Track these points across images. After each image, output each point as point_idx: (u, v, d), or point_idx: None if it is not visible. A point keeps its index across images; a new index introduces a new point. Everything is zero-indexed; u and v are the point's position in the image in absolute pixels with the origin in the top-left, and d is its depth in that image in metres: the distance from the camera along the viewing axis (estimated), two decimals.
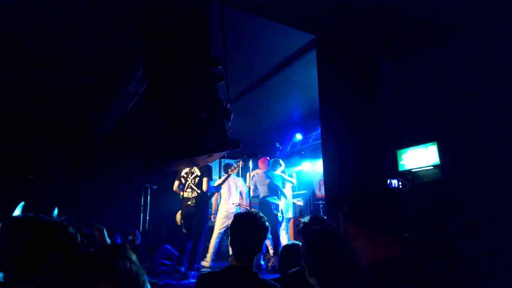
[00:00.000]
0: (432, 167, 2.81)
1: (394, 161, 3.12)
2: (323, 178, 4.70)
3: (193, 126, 3.06)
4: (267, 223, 2.03)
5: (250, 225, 1.95)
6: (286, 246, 2.82)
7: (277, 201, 5.79)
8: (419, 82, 2.97)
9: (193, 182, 5.38)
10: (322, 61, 4.28)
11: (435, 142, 2.78)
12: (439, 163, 2.74)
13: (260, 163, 6.28)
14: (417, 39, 2.99)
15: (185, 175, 5.51)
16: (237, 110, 6.05)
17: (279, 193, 5.93)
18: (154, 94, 3.47)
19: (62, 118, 6.95)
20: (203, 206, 5.26)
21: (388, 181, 2.86)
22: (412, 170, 2.98)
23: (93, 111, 6.54)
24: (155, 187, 7.21)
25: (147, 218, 6.77)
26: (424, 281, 1.20)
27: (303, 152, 8.03)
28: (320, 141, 4.44)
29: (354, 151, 3.52)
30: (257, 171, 6.19)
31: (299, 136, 7.98)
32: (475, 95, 2.55)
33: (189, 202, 5.30)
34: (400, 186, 2.90)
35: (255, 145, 8.11)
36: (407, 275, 1.17)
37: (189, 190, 5.36)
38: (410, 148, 2.99)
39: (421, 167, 2.91)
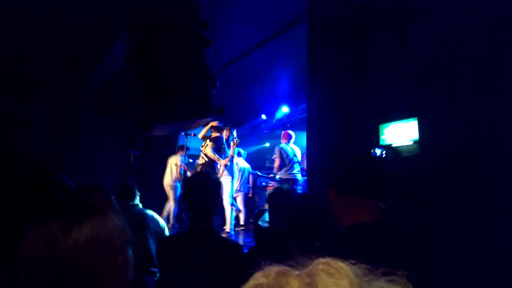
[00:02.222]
0: (412, 142, 2.87)
1: (376, 135, 3.16)
2: (306, 151, 4.77)
3: (177, 91, 3.03)
4: (218, 179, 2.03)
5: (202, 183, 1.92)
6: (258, 212, 2.87)
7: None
8: (404, 57, 2.98)
9: (203, 152, 6.04)
10: (312, 32, 4.24)
11: (416, 118, 2.82)
12: (418, 138, 2.80)
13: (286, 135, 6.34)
14: (406, 10, 2.98)
15: (201, 148, 6.18)
16: (224, 78, 6.05)
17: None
18: (138, 57, 3.40)
19: (47, 79, 6.76)
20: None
21: (372, 150, 2.94)
22: (393, 145, 3.03)
23: (77, 72, 6.37)
24: (139, 152, 7.18)
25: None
26: (395, 245, 1.25)
27: (288, 125, 8.05)
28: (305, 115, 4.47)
29: (337, 124, 3.55)
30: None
31: (285, 109, 7.97)
32: (458, 71, 2.58)
33: (197, 168, 6.09)
34: (383, 156, 2.99)
35: (240, 115, 8.09)
36: (380, 238, 1.23)
37: (200, 159, 6.06)
38: (392, 122, 3.03)
39: (401, 142, 2.96)
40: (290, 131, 6.35)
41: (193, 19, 3.19)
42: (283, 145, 6.19)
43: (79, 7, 4.76)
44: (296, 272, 0.40)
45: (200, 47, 3.21)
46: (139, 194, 3.37)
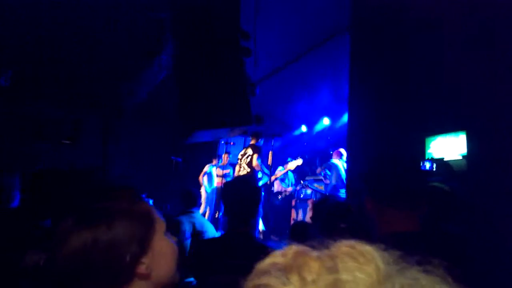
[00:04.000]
0: (461, 157, 2.70)
1: (422, 148, 3.01)
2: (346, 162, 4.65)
3: (217, 99, 3.08)
4: (258, 185, 2.01)
5: (241, 189, 1.91)
6: (295, 224, 2.83)
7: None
8: (451, 67, 2.84)
9: (245, 162, 5.74)
10: (355, 43, 4.17)
11: (464, 131, 2.65)
12: (466, 153, 2.63)
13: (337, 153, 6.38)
14: (450, 19, 2.84)
15: (240, 157, 5.91)
16: (265, 88, 6.08)
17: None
18: (181, 66, 3.50)
19: (97, 89, 7.17)
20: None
21: (421, 163, 2.80)
22: (443, 159, 2.87)
23: (125, 82, 6.70)
24: (181, 159, 7.36)
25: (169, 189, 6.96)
26: (431, 257, 1.17)
27: (328, 138, 7.92)
28: (345, 127, 4.38)
29: (379, 135, 3.44)
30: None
31: (326, 121, 7.86)
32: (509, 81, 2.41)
33: None
34: (434, 169, 2.83)
35: (280, 125, 8.08)
36: (417, 249, 1.15)
37: (241, 170, 5.73)
38: (440, 135, 2.88)
39: (450, 157, 2.80)
40: (342, 149, 6.33)
41: (234, 29, 3.24)
42: (335, 161, 6.20)
43: (126, 23, 5.02)
44: (317, 253, 0.36)
45: (241, 57, 3.25)
46: (200, 202, 3.50)
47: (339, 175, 6.06)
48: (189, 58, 3.42)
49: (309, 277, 0.33)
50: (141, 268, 0.81)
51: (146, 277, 0.82)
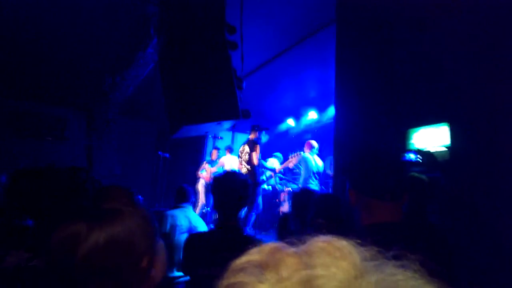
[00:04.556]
0: (443, 149, 2.76)
1: (405, 140, 3.07)
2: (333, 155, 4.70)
3: (203, 93, 3.07)
4: (247, 179, 2.03)
5: (230, 183, 1.94)
6: (282, 217, 2.88)
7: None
8: (434, 59, 2.89)
9: (244, 159, 5.74)
10: (340, 36, 4.19)
11: (447, 123, 2.71)
12: (449, 145, 2.69)
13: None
14: (436, 10, 2.88)
15: (239, 154, 5.89)
16: (252, 83, 6.08)
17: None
18: (167, 61, 3.48)
19: (80, 84, 7.06)
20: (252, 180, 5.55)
21: (406, 155, 2.85)
22: (424, 150, 2.93)
23: (109, 77, 6.61)
24: (168, 155, 7.32)
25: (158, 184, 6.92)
26: (414, 246, 1.21)
27: (316, 131, 7.97)
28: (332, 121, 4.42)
29: (365, 128, 3.49)
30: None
31: (313, 114, 7.90)
32: (491, 74, 2.47)
33: None
34: (419, 161, 2.89)
35: (267, 119, 8.10)
36: (397, 238, 1.20)
37: (242, 167, 5.76)
38: (422, 127, 2.94)
39: (432, 148, 2.86)
40: (313, 141, 6.35)
41: (220, 23, 3.23)
42: (306, 154, 6.18)
43: (111, 17, 4.94)
44: (293, 249, 0.36)
45: (227, 50, 3.24)
46: (193, 199, 3.56)
47: (307, 168, 6.06)
48: (175, 52, 3.40)
49: (285, 273, 0.32)
50: (147, 266, 0.84)
51: (150, 274, 0.85)
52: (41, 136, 7.76)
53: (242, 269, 0.35)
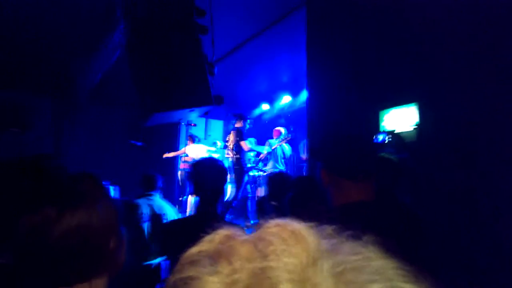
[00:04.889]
0: (412, 128, 2.84)
1: (376, 121, 3.14)
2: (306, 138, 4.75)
3: (174, 80, 3.01)
4: (224, 166, 2.04)
5: (209, 169, 1.94)
6: (259, 200, 2.92)
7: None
8: (403, 39, 2.94)
9: (230, 147, 5.98)
10: (311, 19, 4.19)
11: (416, 103, 2.79)
12: (417, 124, 2.77)
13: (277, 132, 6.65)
14: None
15: (226, 142, 6.17)
16: (224, 67, 6.01)
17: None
18: (136, 46, 3.38)
19: (45, 69, 6.75)
20: (236, 167, 5.87)
21: (375, 136, 2.92)
22: (395, 131, 3.01)
23: (75, 61, 6.36)
24: (141, 143, 7.18)
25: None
26: (386, 226, 1.25)
27: (289, 115, 8.01)
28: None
29: (336, 110, 3.53)
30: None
31: (287, 98, 7.92)
32: (458, 55, 2.54)
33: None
34: (386, 141, 2.97)
35: (240, 105, 8.08)
36: (370, 217, 1.23)
37: (230, 155, 6.00)
38: (393, 108, 3.00)
39: (402, 129, 2.93)
40: (280, 128, 6.71)
41: (188, 5, 3.15)
42: (272, 140, 6.53)
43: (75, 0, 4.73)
44: (245, 237, 0.35)
45: (197, 35, 3.17)
46: (160, 185, 3.47)
47: (275, 154, 6.42)
48: (143, 37, 3.29)
49: (237, 264, 0.31)
50: (115, 247, 0.88)
51: (117, 255, 0.89)
52: (6, 128, 7.41)
53: (192, 262, 0.33)
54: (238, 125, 6.08)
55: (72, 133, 7.49)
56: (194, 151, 6.77)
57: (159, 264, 3.00)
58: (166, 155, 7.30)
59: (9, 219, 1.09)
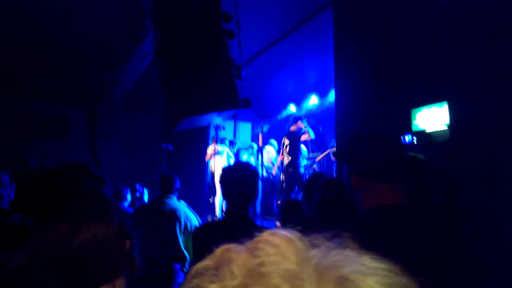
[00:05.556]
0: (445, 127, 2.75)
1: (408, 120, 3.06)
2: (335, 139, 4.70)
3: (202, 84, 3.07)
4: (257, 169, 2.02)
5: (241, 174, 1.93)
6: (286, 202, 2.90)
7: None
8: (434, 36, 2.85)
9: (286, 150, 6.02)
10: (338, 18, 4.15)
11: (446, 102, 2.70)
12: (448, 123, 2.68)
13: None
14: None
15: (282, 146, 6.20)
16: (251, 70, 6.05)
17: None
18: (165, 53, 3.47)
19: (82, 82, 7.07)
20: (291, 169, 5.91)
21: (402, 137, 2.86)
22: (426, 130, 2.92)
23: (109, 72, 6.60)
24: (171, 147, 7.34)
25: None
26: (419, 229, 1.22)
27: (316, 116, 7.93)
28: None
29: (366, 111, 3.48)
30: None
31: (314, 99, 7.86)
32: (491, 52, 2.44)
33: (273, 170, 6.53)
34: (415, 142, 2.90)
35: (268, 106, 8.08)
36: (403, 220, 1.21)
37: (284, 158, 6.04)
38: (425, 107, 2.92)
39: (434, 128, 2.85)
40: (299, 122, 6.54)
41: (215, 12, 3.20)
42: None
43: (107, 10, 4.92)
44: (241, 247, 0.39)
45: (224, 39, 3.22)
46: (178, 186, 3.41)
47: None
48: (172, 44, 3.38)
49: (236, 270, 0.34)
50: (129, 252, 0.93)
51: (132, 259, 0.94)
52: (45, 136, 7.79)
53: (196, 275, 0.37)
54: (293, 128, 6.09)
55: (107, 140, 7.77)
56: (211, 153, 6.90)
57: (173, 267, 3.04)
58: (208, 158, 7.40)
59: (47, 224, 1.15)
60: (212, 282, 0.35)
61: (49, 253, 0.84)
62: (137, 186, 5.21)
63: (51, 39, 5.63)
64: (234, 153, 7.50)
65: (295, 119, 6.18)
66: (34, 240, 0.86)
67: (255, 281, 0.32)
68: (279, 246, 0.36)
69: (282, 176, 6.11)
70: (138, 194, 5.10)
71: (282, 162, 6.15)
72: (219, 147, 7.01)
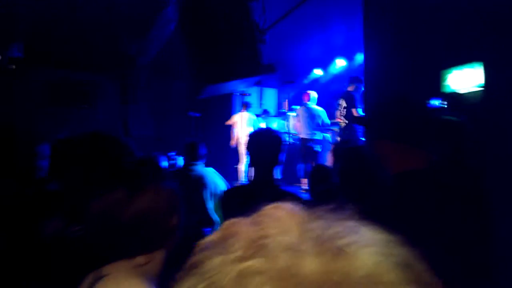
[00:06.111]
0: (478, 89, 2.62)
1: (438, 82, 2.93)
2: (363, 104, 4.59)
3: (225, 51, 3.03)
4: (280, 135, 2.04)
5: (264, 139, 1.97)
6: (314, 168, 2.89)
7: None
8: None
9: (341, 114, 5.54)
10: None
11: (481, 63, 2.55)
12: (483, 84, 2.54)
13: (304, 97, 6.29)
14: None
15: (339, 107, 5.66)
16: (277, 34, 5.89)
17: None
18: (187, 20, 3.43)
19: (108, 51, 7.15)
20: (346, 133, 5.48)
21: (429, 101, 2.75)
22: (457, 92, 2.79)
23: (134, 40, 6.63)
24: (199, 114, 7.42)
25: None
26: (444, 192, 1.21)
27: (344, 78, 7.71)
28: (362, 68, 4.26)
29: (396, 72, 3.35)
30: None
31: (341, 62, 7.62)
32: None
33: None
34: (445, 106, 2.78)
35: (293, 70, 7.92)
36: (429, 185, 1.20)
37: (341, 120, 5.58)
38: (456, 68, 2.78)
39: (467, 89, 2.72)
40: (311, 92, 6.29)
41: None
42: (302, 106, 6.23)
43: None
44: (245, 220, 0.40)
45: (247, 2, 3.13)
46: (204, 153, 3.41)
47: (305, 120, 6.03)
48: (194, 10, 3.33)
49: (238, 243, 0.35)
50: (175, 225, 1.00)
51: (175, 235, 1.01)
52: (77, 103, 8.03)
53: (202, 249, 0.38)
54: (350, 88, 5.55)
55: (137, 108, 7.93)
56: (241, 120, 6.86)
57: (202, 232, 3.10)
58: (227, 123, 7.43)
59: (85, 193, 1.20)
60: (218, 254, 0.36)
61: (104, 218, 0.90)
62: (171, 154, 5.32)
63: (75, 8, 5.69)
64: (266, 121, 7.43)
65: (353, 78, 5.64)
66: (90, 206, 0.91)
67: (256, 253, 0.33)
68: (281, 219, 0.37)
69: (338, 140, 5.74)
70: (172, 162, 5.21)
71: (338, 125, 5.69)
72: (246, 115, 7.00)
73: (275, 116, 8.13)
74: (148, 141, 7.02)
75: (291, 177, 6.58)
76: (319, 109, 6.22)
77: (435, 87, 2.94)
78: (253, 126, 6.87)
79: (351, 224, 0.36)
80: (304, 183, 5.58)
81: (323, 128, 6.20)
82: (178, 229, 1.01)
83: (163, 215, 0.95)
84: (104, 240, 0.91)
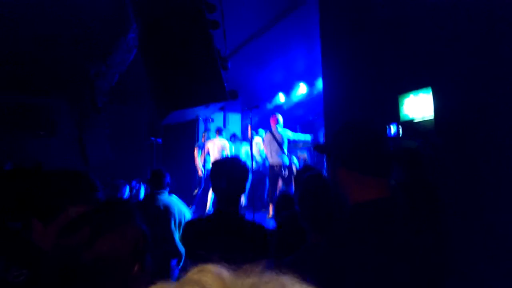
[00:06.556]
0: (430, 117, 2.75)
1: (396, 108, 3.05)
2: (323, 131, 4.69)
3: (188, 77, 3.01)
4: (246, 165, 1.99)
5: (230, 169, 1.89)
6: (280, 194, 2.88)
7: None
8: (416, 24, 2.83)
9: None
10: (324, 7, 4.11)
11: (430, 88, 2.69)
12: (433, 111, 2.68)
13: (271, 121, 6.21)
14: None
15: None
16: (238, 61, 5.97)
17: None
18: (148, 45, 3.40)
19: (66, 74, 6.93)
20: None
21: (387, 128, 2.84)
22: (415, 120, 2.91)
23: (94, 65, 6.48)
24: (160, 140, 7.26)
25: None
26: (408, 222, 1.21)
27: (305, 105, 7.90)
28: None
29: (355, 98, 3.46)
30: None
31: (303, 88, 7.81)
32: (474, 39, 2.43)
33: None
34: (400, 134, 2.89)
35: (256, 96, 8.02)
36: (392, 215, 1.19)
37: None
38: (412, 93, 2.90)
39: (421, 116, 2.84)
40: (278, 115, 6.28)
41: (199, 2, 3.13)
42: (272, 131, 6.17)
43: (90, 2, 4.81)
44: (172, 285, 0.39)
45: (208, 30, 3.16)
46: (168, 181, 3.32)
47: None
48: (155, 36, 3.31)
49: None
50: (138, 272, 0.93)
51: (137, 283, 0.92)
52: (30, 130, 7.65)
53: None
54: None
55: (95, 133, 7.66)
56: (216, 146, 6.71)
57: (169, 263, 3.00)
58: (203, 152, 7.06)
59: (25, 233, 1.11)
60: None
61: (62, 263, 0.83)
62: (133, 183, 5.12)
63: (35, 31, 5.50)
64: (235, 145, 7.34)
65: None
66: (51, 249, 0.85)
67: None
68: (206, 285, 0.37)
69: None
70: (134, 191, 4.98)
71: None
72: (219, 141, 6.79)
73: (243, 140, 8.11)
74: (108, 167, 6.75)
75: (258, 203, 6.53)
76: (288, 133, 6.23)
77: (393, 113, 3.06)
78: (230, 151, 6.75)
79: (278, 283, 0.36)
80: (271, 209, 5.54)
81: (289, 153, 6.22)
82: (141, 277, 0.94)
83: (124, 261, 0.88)
84: (58, 285, 0.83)
